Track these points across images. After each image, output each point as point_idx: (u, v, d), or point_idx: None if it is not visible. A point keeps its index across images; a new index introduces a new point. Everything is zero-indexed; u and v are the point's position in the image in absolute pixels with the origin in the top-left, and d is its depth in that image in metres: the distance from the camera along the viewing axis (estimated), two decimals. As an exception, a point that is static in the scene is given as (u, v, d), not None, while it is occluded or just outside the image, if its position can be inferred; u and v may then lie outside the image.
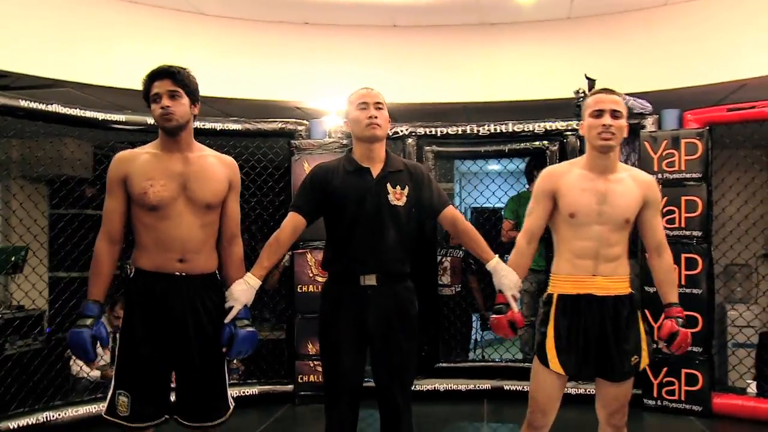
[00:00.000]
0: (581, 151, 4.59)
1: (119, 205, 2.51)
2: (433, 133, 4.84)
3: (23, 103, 3.97)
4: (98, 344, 2.44)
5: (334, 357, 2.67)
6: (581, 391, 4.17)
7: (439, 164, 4.93)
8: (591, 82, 4.60)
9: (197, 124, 4.37)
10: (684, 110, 4.55)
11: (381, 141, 2.70)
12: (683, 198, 4.33)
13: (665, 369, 4.33)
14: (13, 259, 5.08)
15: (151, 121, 4.21)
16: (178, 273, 2.49)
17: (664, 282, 2.67)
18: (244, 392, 4.58)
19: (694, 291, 4.28)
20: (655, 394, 4.38)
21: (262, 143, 4.89)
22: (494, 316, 2.67)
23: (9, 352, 4.60)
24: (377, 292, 2.64)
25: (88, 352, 2.41)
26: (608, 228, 2.55)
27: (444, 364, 4.84)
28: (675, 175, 4.36)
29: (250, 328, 2.55)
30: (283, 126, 4.78)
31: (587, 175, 2.59)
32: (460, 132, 4.82)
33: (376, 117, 2.64)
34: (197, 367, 2.51)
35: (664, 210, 4.29)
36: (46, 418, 3.87)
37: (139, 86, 2.55)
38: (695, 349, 4.21)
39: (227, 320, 2.53)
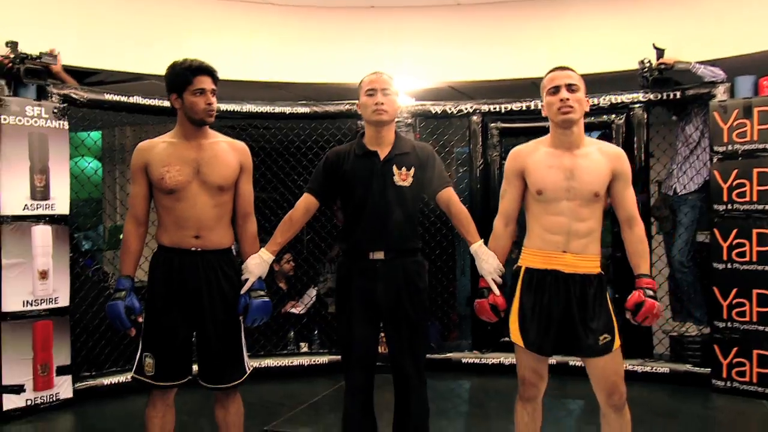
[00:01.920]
0: (648, 125, 4.56)
1: (142, 189, 2.73)
2: (498, 109, 4.85)
3: (108, 97, 4.31)
4: (133, 313, 2.65)
5: (347, 327, 2.81)
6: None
7: (504, 141, 4.95)
8: (660, 52, 4.53)
9: (267, 108, 4.77)
10: (760, 77, 4.33)
11: (388, 125, 2.82)
12: (755, 170, 4.15)
13: (735, 349, 4.18)
14: (121, 236, 5.56)
15: (225, 107, 4.54)
16: (194, 248, 2.69)
17: (635, 254, 2.62)
18: (314, 361, 4.82)
19: (767, 268, 4.10)
20: (724, 375, 4.23)
21: (330, 124, 5.05)
22: (477, 300, 2.72)
23: None
24: (386, 265, 2.76)
25: (123, 321, 2.62)
26: (577, 203, 2.56)
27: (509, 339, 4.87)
28: (747, 146, 4.19)
29: (264, 298, 2.74)
30: (350, 107, 4.90)
31: (553, 152, 2.61)
32: (524, 108, 4.82)
33: (382, 103, 2.75)
34: (213, 334, 2.70)
35: (735, 183, 4.18)
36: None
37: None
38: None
39: (243, 291, 2.73)
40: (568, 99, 2.53)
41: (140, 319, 2.67)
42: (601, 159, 2.59)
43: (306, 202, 2.86)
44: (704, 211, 4.47)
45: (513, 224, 2.74)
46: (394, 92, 2.82)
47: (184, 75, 2.66)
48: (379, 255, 2.77)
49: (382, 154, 2.81)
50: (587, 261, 2.57)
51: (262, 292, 2.75)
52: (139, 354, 2.73)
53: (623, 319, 2.59)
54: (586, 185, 2.55)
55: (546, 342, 2.57)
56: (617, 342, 2.55)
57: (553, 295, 2.56)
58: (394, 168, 2.79)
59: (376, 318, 2.80)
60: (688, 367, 4.43)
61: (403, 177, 2.78)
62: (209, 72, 2.69)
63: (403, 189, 2.77)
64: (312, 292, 5.51)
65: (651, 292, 2.53)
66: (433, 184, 2.83)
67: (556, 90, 2.57)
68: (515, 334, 2.62)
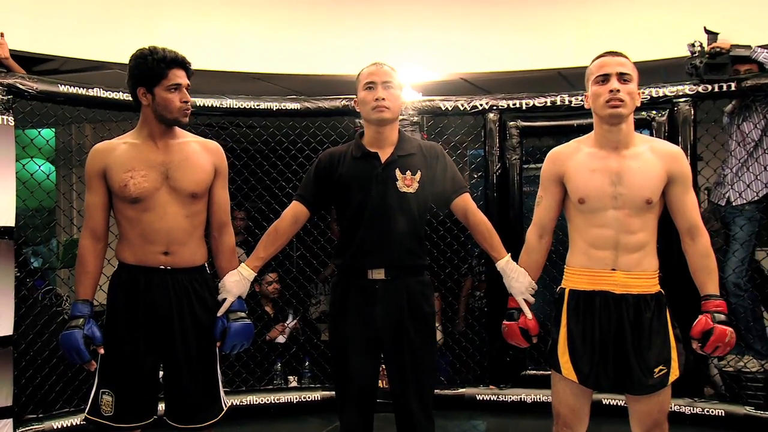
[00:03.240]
0: (695, 122, 4.19)
1: (100, 198, 2.58)
2: (518, 105, 4.50)
3: (62, 88, 4.01)
4: (93, 344, 2.52)
5: (342, 357, 2.69)
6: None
7: (525, 142, 4.61)
8: (712, 36, 4.21)
9: (251, 103, 4.48)
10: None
11: (391, 123, 2.69)
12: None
13: None
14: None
15: (201, 102, 4.28)
16: (162, 267, 2.56)
17: (700, 270, 2.46)
18: (305, 397, 4.53)
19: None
20: None
21: (324, 123, 4.76)
22: (505, 322, 2.64)
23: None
24: (387, 287, 2.64)
25: (82, 353, 2.47)
26: (626, 212, 2.42)
27: (532, 372, 4.52)
28: (817, 144, 3.83)
29: (245, 321, 2.62)
30: (347, 103, 4.57)
31: (597, 153, 2.49)
32: (549, 103, 4.45)
33: (383, 98, 2.62)
34: (184, 366, 2.56)
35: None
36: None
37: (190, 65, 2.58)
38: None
39: (220, 313, 2.62)
40: (618, 90, 2.40)
41: (101, 351, 2.53)
42: (654, 160, 2.46)
43: (294, 211, 2.74)
44: (764, 224, 4.15)
45: (549, 236, 2.65)
46: (397, 86, 2.70)
47: (157, 67, 2.53)
48: (379, 274, 2.65)
49: (384, 156, 2.69)
50: (641, 279, 2.44)
51: (242, 314, 2.65)
52: (94, 390, 2.58)
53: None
54: (637, 191, 2.42)
55: (603, 376, 2.45)
56: (675, 373, 2.42)
57: (604, 320, 2.44)
58: (397, 172, 2.67)
59: (375, 347, 2.68)
60: (747, 409, 4.03)
61: (407, 182, 2.66)
62: (184, 65, 2.58)
63: (408, 196, 2.65)
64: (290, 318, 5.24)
65: (722, 316, 2.39)
66: (446, 190, 2.72)
67: (605, 79, 2.43)
68: (566, 367, 2.47)
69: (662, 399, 2.45)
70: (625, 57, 2.47)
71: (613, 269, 2.44)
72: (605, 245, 2.45)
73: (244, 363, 4.58)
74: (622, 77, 2.41)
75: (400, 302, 2.64)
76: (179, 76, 2.54)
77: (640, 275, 2.43)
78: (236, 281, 2.65)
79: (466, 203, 2.71)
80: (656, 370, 2.39)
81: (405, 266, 2.67)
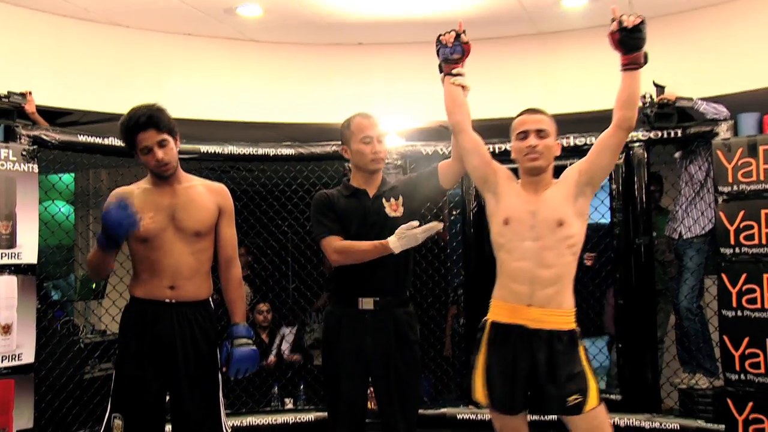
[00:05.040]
0: (648, 163, 4.49)
1: None
2: (492, 150, 4.54)
3: (81, 138, 4.22)
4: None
5: (334, 383, 2.76)
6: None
7: None
8: (660, 89, 4.46)
9: (250, 149, 4.68)
10: (764, 114, 4.27)
11: (379, 171, 2.89)
12: (763, 212, 4.03)
13: (751, 404, 3.96)
14: (93, 285, 5.46)
15: (205, 149, 4.49)
16: (167, 300, 2.64)
17: None
18: (300, 418, 4.61)
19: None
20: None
21: (316, 167, 4.96)
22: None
23: (96, 374, 4.84)
24: (375, 316, 2.72)
25: (129, 214, 2.48)
26: (541, 243, 2.51)
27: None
28: (753, 187, 4.09)
29: (250, 346, 2.67)
30: (337, 149, 4.69)
31: (523, 191, 2.62)
32: (507, 148, 4.73)
33: (380, 152, 2.82)
34: (187, 393, 2.62)
35: (742, 225, 4.09)
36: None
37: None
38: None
39: (419, 229, 2.60)
40: (536, 146, 2.55)
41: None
42: (560, 188, 2.59)
43: (339, 239, 2.79)
44: (711, 254, 4.38)
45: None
46: (385, 136, 2.88)
47: (128, 136, 2.62)
48: (369, 304, 2.73)
49: (371, 192, 2.86)
50: (556, 316, 2.50)
51: (246, 340, 2.69)
52: (107, 415, 2.65)
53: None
54: (550, 213, 2.52)
55: (513, 400, 2.52)
56: (592, 402, 2.48)
57: (519, 352, 2.49)
58: (384, 201, 2.81)
59: (365, 373, 2.75)
60: (699, 423, 4.25)
61: (394, 207, 2.79)
62: (150, 124, 2.59)
63: (398, 221, 2.73)
64: (285, 332, 5.35)
65: None
66: (423, 176, 2.88)
67: (525, 136, 2.59)
68: (479, 392, 2.58)
69: (597, 423, 2.50)
70: (543, 113, 2.63)
71: (529, 305, 2.50)
72: (527, 281, 2.51)
73: (243, 387, 4.75)
74: (539, 134, 2.56)
75: (388, 331, 2.72)
76: (146, 138, 2.58)
77: (553, 312, 2.49)
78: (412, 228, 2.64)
79: (445, 162, 2.86)
80: (570, 399, 2.45)
81: (392, 295, 2.76)
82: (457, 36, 2.75)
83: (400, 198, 2.82)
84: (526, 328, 2.50)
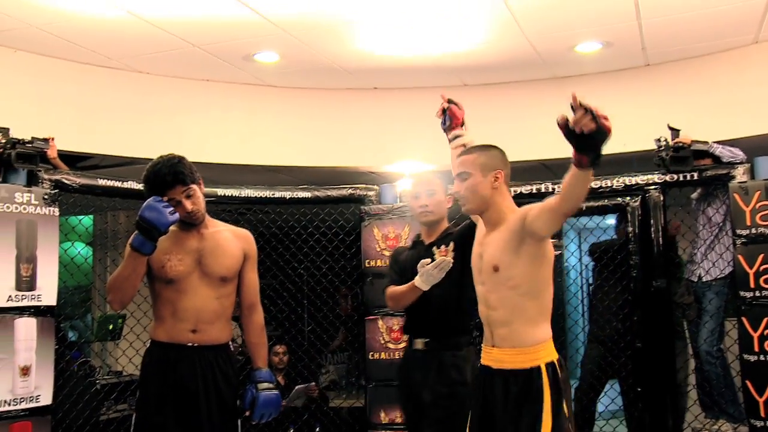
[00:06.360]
0: (665, 206, 4.47)
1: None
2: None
3: (101, 182, 4.25)
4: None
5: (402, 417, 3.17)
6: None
7: None
8: (675, 132, 4.47)
9: (266, 193, 4.70)
10: (781, 157, 4.32)
11: (437, 222, 3.11)
12: (782, 255, 4.04)
13: None
14: (111, 326, 5.49)
15: (222, 192, 4.54)
16: (189, 344, 2.67)
17: None
18: None
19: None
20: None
21: (332, 209, 4.97)
22: None
23: (112, 415, 4.83)
24: (424, 356, 2.92)
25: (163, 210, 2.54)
26: (486, 287, 2.49)
27: None
28: (771, 230, 4.09)
29: (273, 391, 2.73)
30: (353, 192, 4.82)
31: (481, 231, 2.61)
32: (534, 191, 4.73)
33: (427, 205, 3.07)
34: None
35: (761, 268, 4.05)
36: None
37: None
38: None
39: (430, 266, 2.76)
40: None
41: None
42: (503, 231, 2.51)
43: None
44: (730, 297, 4.31)
45: None
46: (440, 190, 3.10)
47: (155, 193, 2.64)
48: (419, 344, 2.98)
49: (428, 241, 3.10)
50: (513, 355, 2.42)
51: (269, 385, 2.74)
52: None
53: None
54: (488, 259, 2.47)
55: None
56: None
57: (488, 391, 2.47)
58: (434, 249, 2.98)
59: (415, 406, 2.96)
60: None
61: (443, 253, 2.90)
62: (176, 181, 2.64)
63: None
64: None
65: None
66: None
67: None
68: None
69: None
70: (466, 155, 2.57)
71: (492, 345, 2.47)
72: (486, 323, 2.51)
73: (260, 429, 4.73)
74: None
75: (432, 372, 2.87)
76: (174, 194, 2.63)
77: (509, 351, 2.42)
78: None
79: None
80: None
81: (440, 338, 2.92)
82: (444, 110, 2.96)
83: (451, 244, 2.93)
84: (490, 368, 2.48)
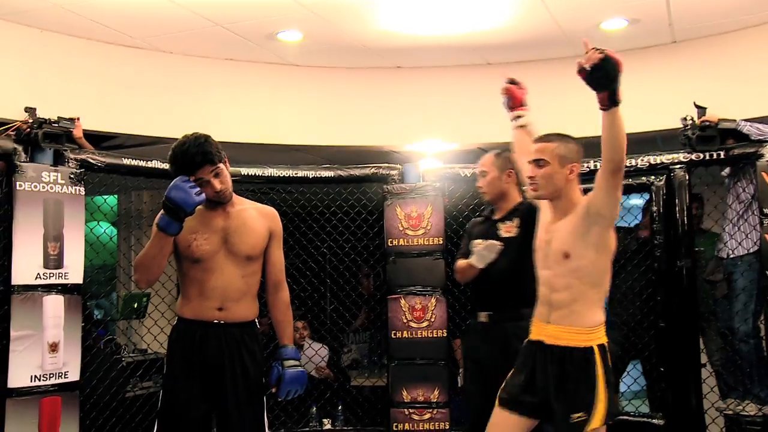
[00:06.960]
0: (690, 186, 4.42)
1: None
2: None
3: (126, 161, 4.29)
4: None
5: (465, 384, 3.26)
6: None
7: None
8: (701, 111, 4.41)
9: (290, 172, 4.72)
10: (812, 134, 4.23)
11: (501, 199, 3.27)
12: (810, 233, 3.99)
13: None
14: (135, 305, 5.57)
15: (245, 171, 4.54)
16: (216, 321, 2.68)
17: None
18: None
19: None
20: None
21: (355, 189, 4.96)
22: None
23: (138, 392, 4.89)
24: (488, 328, 3.08)
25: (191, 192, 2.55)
26: (552, 272, 2.61)
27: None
28: (801, 210, 4.03)
29: (298, 368, 2.76)
30: (376, 171, 4.83)
31: (546, 218, 2.75)
32: None
33: (481, 186, 3.31)
34: (235, 414, 2.65)
35: (789, 253, 3.99)
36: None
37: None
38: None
39: (481, 246, 2.97)
40: (534, 177, 2.64)
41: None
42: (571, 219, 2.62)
43: None
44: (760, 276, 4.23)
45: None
46: (492, 169, 3.23)
47: (183, 172, 2.64)
48: (483, 317, 3.12)
49: (497, 216, 3.26)
50: (570, 333, 2.56)
51: (295, 362, 2.76)
52: None
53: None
54: (555, 245, 2.61)
55: (521, 405, 2.61)
56: (595, 423, 2.47)
57: (539, 363, 2.61)
58: (499, 224, 3.17)
59: (483, 377, 3.08)
60: None
61: (507, 229, 3.10)
62: (205, 161, 2.63)
63: (511, 241, 3.06)
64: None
65: None
66: None
67: (531, 163, 2.69)
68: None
69: None
70: (548, 141, 2.65)
71: (548, 322, 2.61)
72: (544, 302, 2.65)
73: (282, 407, 4.71)
74: (538, 163, 2.63)
75: (498, 343, 3.01)
76: (202, 174, 2.63)
77: (567, 329, 2.56)
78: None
79: None
80: (574, 415, 2.48)
81: (503, 309, 3.06)
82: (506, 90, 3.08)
83: (516, 220, 3.09)
84: (543, 343, 2.61)
